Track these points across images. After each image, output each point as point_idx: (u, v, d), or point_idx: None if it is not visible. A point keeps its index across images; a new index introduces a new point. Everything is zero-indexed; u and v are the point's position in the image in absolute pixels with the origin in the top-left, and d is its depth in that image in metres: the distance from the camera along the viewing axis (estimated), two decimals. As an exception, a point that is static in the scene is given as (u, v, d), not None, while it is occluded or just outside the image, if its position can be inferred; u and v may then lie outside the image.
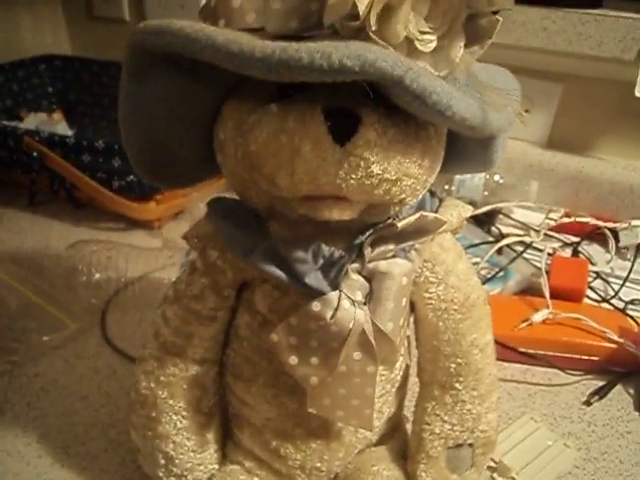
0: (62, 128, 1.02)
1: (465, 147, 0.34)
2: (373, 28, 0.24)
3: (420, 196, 0.33)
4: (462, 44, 0.26)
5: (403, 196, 0.30)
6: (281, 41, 0.23)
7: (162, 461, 0.39)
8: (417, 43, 0.24)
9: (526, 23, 0.72)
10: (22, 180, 0.81)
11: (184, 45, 0.24)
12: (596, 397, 0.53)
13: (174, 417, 0.38)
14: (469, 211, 0.37)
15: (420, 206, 0.35)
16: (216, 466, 0.41)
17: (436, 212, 0.35)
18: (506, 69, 0.33)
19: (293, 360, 0.32)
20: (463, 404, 0.38)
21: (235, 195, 0.34)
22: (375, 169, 0.27)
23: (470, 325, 0.37)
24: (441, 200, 0.37)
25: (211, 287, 0.36)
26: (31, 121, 1.00)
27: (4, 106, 0.99)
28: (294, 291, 0.33)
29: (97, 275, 0.60)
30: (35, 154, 0.73)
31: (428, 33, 0.25)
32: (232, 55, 0.23)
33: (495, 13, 0.25)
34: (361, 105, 0.26)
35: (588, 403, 0.53)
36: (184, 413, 0.38)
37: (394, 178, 0.28)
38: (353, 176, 0.27)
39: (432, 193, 0.37)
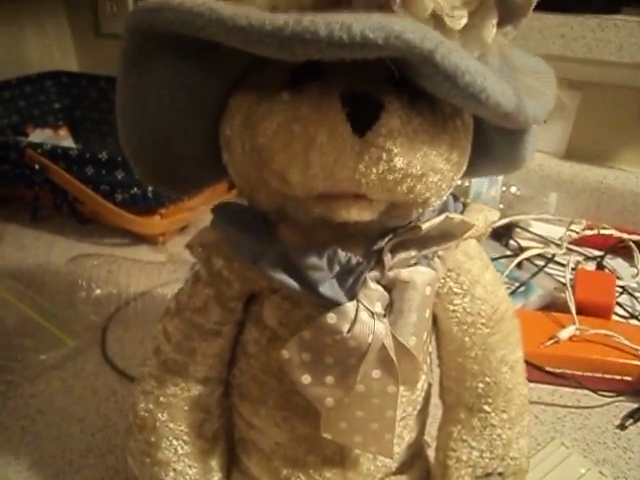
0: (68, 144, 1.00)
1: (492, 143, 0.31)
2: (397, 0, 0.21)
3: (444, 197, 0.30)
4: (495, 22, 0.23)
5: (428, 195, 0.27)
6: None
7: (162, 491, 0.35)
8: (446, 19, 0.22)
9: (543, 30, 0.70)
10: (25, 195, 0.80)
11: (185, 21, 0.21)
12: (631, 420, 0.49)
13: (175, 442, 0.35)
14: (496, 215, 0.34)
15: (443, 210, 0.32)
16: (221, 496, 0.37)
17: (461, 216, 0.32)
18: (537, 55, 0.30)
19: (306, 379, 0.29)
20: (493, 428, 0.35)
21: (244, 202, 0.31)
22: (398, 162, 0.24)
23: (499, 340, 0.34)
24: (465, 204, 0.34)
25: (216, 299, 0.33)
26: (37, 137, 0.99)
27: (10, 122, 0.98)
28: (307, 302, 0.30)
29: (97, 291, 0.57)
30: (37, 167, 0.71)
31: (458, 8, 0.22)
32: (239, 29, 0.20)
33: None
34: (383, 91, 0.24)
35: (622, 427, 0.49)
36: (185, 438, 0.35)
37: (419, 173, 0.25)
38: (374, 170, 0.24)
39: (455, 197, 0.34)
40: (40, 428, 0.46)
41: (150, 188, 0.69)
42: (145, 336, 0.57)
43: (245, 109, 0.26)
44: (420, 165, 0.25)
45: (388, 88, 0.24)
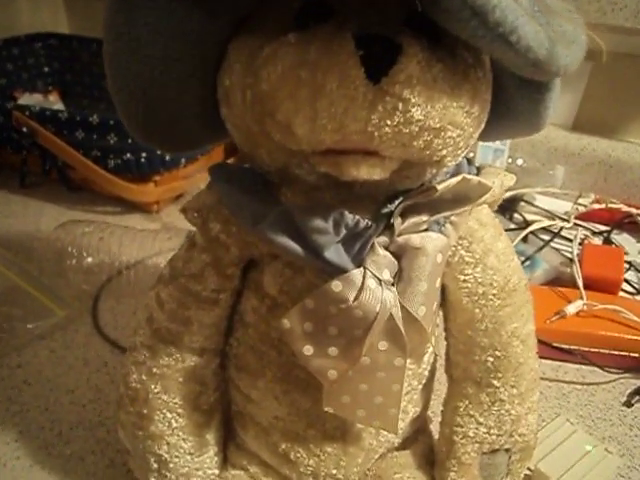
0: (58, 109, 0.97)
1: (511, 102, 0.29)
2: None
3: (460, 158, 0.28)
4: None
5: (444, 152, 0.25)
6: None
7: (155, 465, 0.34)
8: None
9: (555, -7, 0.67)
10: (13, 160, 0.76)
11: None
12: (637, 397, 0.48)
13: (168, 415, 0.33)
14: (512, 180, 0.32)
15: (457, 173, 0.30)
16: (216, 471, 0.36)
17: (476, 179, 0.30)
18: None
19: (308, 350, 0.28)
20: (501, 404, 0.33)
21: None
22: (416, 113, 0.22)
23: (511, 313, 0.33)
24: (479, 168, 0.32)
25: (212, 265, 0.31)
26: (26, 101, 0.95)
27: (-3, 86, 0.94)
28: (310, 269, 0.28)
29: (89, 259, 0.55)
30: (25, 130, 0.68)
31: None
32: None
33: None
34: (401, 33, 0.21)
35: (629, 404, 0.48)
36: (180, 410, 0.33)
37: (438, 126, 0.23)
38: (389, 122, 0.22)
39: (469, 161, 0.32)
40: (27, 399, 0.45)
41: (144, 154, 0.66)
42: (138, 306, 0.55)
43: (246, 55, 0.24)
44: (439, 117, 0.22)
45: (406, 30, 0.22)
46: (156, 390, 0.33)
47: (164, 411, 0.33)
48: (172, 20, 0.24)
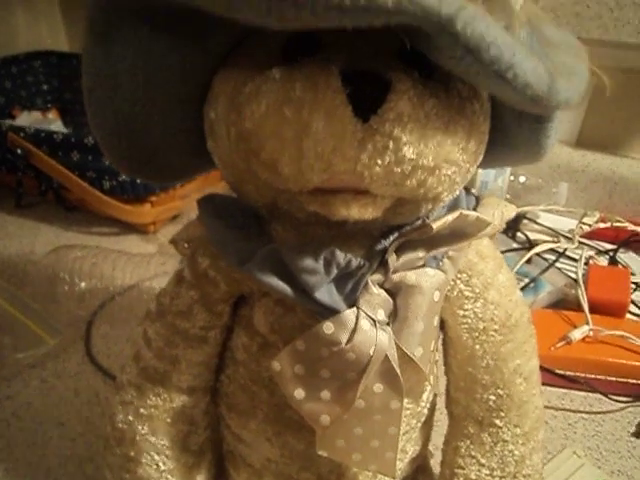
0: (57, 127, 0.97)
1: (510, 131, 0.27)
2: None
3: (457, 192, 0.27)
4: (524, -14, 0.19)
5: (440, 190, 0.24)
6: None
7: (142, 509, 0.32)
8: (468, -20, 0.18)
9: (556, 9, 0.66)
10: (8, 181, 0.76)
11: None
12: (646, 428, 0.47)
13: (156, 457, 0.32)
14: (513, 211, 0.31)
15: (454, 205, 0.29)
16: (207, 514, 0.34)
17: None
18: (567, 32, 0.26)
19: (299, 394, 0.26)
20: (504, 444, 0.32)
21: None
22: (408, 153, 0.21)
23: (513, 349, 0.31)
24: (478, 198, 0.31)
25: (201, 302, 0.30)
26: (24, 119, 0.95)
27: (-5, 104, 0.94)
28: (301, 308, 0.27)
29: (82, 284, 0.54)
30: (19, 151, 0.67)
31: (482, -32, 0.18)
32: None
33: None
34: (391, 67, 0.20)
35: (638, 434, 0.46)
36: (168, 452, 0.32)
37: (431, 165, 0.21)
38: (379, 162, 0.21)
39: (467, 190, 0.31)
40: (15, 433, 0.43)
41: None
42: (131, 332, 0.54)
43: (230, 89, 0.23)
44: (433, 156, 0.21)
45: (396, 64, 0.21)
46: (143, 431, 0.31)
47: (152, 453, 0.32)
48: (152, 54, 0.23)
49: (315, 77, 0.20)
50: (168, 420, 0.32)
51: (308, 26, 0.17)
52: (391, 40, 0.22)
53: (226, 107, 0.23)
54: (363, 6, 0.16)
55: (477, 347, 0.31)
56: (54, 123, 0.99)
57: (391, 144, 0.20)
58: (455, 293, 0.30)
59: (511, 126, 0.27)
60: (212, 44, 0.23)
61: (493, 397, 0.31)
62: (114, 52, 0.23)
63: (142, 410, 0.31)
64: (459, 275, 0.30)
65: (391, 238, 0.26)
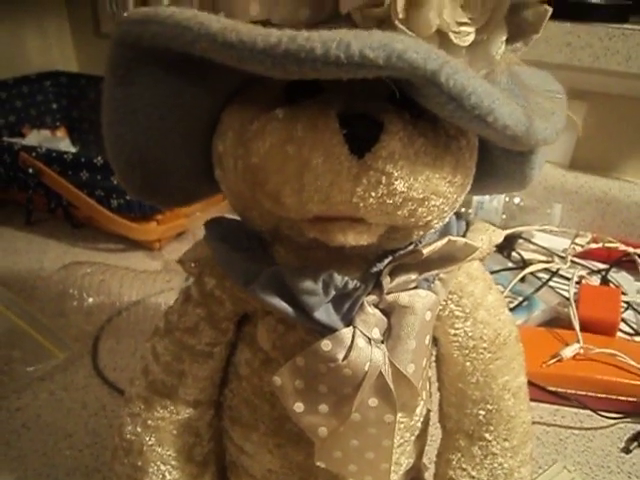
0: (65, 145, 1.00)
1: (497, 163, 0.30)
2: (400, 16, 0.20)
3: (447, 219, 0.29)
4: (504, 39, 0.22)
5: (429, 218, 0.26)
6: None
7: (148, 517, 0.34)
8: (452, 35, 0.20)
9: (549, 38, 0.69)
10: (19, 198, 0.78)
11: (173, 35, 0.20)
12: (635, 443, 0.48)
13: (162, 467, 0.33)
14: (501, 236, 0.33)
15: (445, 230, 0.31)
16: (210, 523, 0.36)
17: (464, 237, 0.30)
18: (547, 72, 0.29)
19: (299, 407, 0.28)
20: (494, 457, 0.34)
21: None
22: (399, 186, 0.23)
23: (501, 366, 0.33)
24: (468, 223, 0.33)
25: (207, 319, 0.31)
26: (34, 138, 0.97)
27: (7, 122, 0.96)
28: (301, 326, 0.29)
29: (89, 300, 0.56)
30: (31, 170, 0.70)
31: (465, 24, 0.21)
32: (230, 46, 0.19)
33: (543, 2, 0.21)
34: (383, 110, 0.22)
35: (627, 450, 0.48)
36: (174, 462, 0.34)
37: (421, 197, 0.24)
38: (373, 194, 0.23)
39: (458, 215, 0.33)
40: (25, 444, 0.45)
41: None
42: (138, 347, 0.55)
43: (238, 126, 0.25)
44: (422, 189, 0.23)
45: (388, 107, 0.23)
46: (150, 442, 0.33)
47: (158, 463, 0.33)
48: (166, 93, 0.25)
49: (315, 119, 0.22)
50: (174, 432, 0.33)
51: (309, 77, 0.19)
52: (384, 85, 0.24)
53: (234, 142, 0.25)
54: (357, 62, 0.18)
55: (467, 364, 0.32)
56: (62, 141, 1.01)
57: (384, 179, 0.22)
58: (446, 313, 0.32)
59: (499, 159, 0.29)
60: (221, 85, 0.25)
61: (483, 412, 0.33)
62: (133, 92, 0.25)
63: (149, 422, 0.33)
64: (450, 296, 0.31)
65: (385, 261, 0.27)
